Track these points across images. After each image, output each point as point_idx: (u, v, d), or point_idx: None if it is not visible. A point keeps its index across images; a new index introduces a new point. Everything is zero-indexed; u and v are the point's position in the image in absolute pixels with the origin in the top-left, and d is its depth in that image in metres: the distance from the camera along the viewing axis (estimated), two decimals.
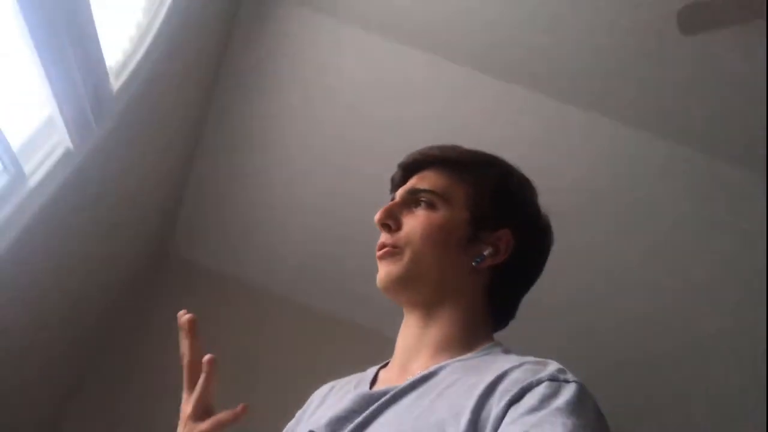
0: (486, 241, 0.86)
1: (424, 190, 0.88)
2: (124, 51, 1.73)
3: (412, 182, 0.90)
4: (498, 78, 2.39)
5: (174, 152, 2.54)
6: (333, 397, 0.90)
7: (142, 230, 2.59)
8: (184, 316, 0.82)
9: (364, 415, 0.75)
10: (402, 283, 0.84)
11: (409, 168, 0.93)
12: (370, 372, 0.90)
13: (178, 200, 2.85)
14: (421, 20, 2.34)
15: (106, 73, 1.55)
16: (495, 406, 0.65)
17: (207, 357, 0.80)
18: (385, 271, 0.85)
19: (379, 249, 0.87)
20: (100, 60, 1.49)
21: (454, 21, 2.30)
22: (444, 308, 0.85)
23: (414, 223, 0.86)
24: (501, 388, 0.67)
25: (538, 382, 0.66)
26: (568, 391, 0.64)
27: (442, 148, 0.92)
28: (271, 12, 2.47)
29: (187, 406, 0.80)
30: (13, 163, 1.38)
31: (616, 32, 2.16)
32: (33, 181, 1.46)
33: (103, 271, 2.28)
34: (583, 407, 0.63)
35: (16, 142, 1.39)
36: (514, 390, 0.65)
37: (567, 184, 2.46)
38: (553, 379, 0.66)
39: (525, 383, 0.66)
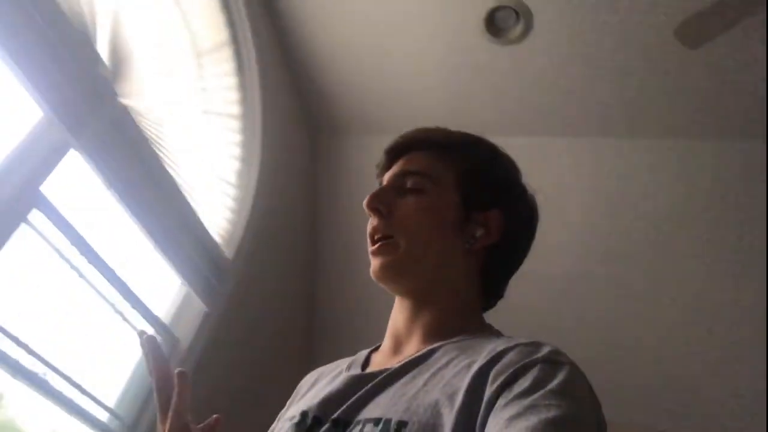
0: (477, 222, 0.86)
1: (414, 172, 0.87)
2: (229, 220, 2.20)
3: (400, 165, 0.89)
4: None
5: (295, 284, 2.94)
6: (323, 381, 0.87)
7: (285, 363, 2.95)
8: (143, 336, 0.80)
9: (357, 395, 0.74)
10: (398, 272, 0.84)
11: (396, 152, 0.92)
12: (361, 355, 0.89)
13: (310, 329, 3.19)
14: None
15: (217, 246, 2.01)
16: (488, 387, 0.64)
17: (177, 370, 0.77)
18: (380, 261, 0.84)
19: (372, 238, 0.85)
20: (210, 239, 1.95)
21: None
22: (438, 291, 0.84)
23: (406, 208, 0.85)
24: (495, 369, 0.66)
25: (532, 364, 0.65)
26: (561, 373, 0.64)
27: (427, 130, 0.92)
28: (344, 143, 2.89)
29: (163, 426, 0.75)
30: (167, 331, 1.83)
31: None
32: (185, 343, 1.90)
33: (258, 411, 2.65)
34: (577, 388, 0.64)
35: (164, 313, 1.85)
36: (508, 372, 0.65)
37: None
38: (546, 361, 0.66)
39: (518, 365, 0.65)
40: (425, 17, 2.32)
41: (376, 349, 0.90)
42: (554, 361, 0.67)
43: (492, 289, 0.89)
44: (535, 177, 0.95)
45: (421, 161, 0.88)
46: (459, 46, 2.36)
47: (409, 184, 0.87)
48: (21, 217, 1.37)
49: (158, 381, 0.77)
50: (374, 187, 0.90)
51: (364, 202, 0.86)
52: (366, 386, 0.75)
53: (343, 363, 0.90)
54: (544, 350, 0.68)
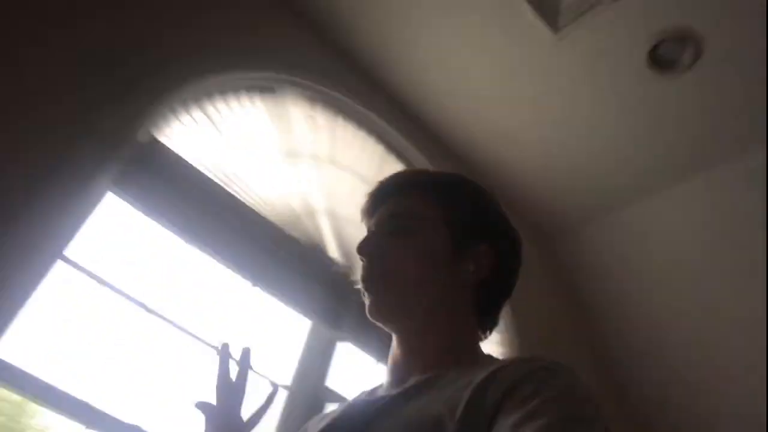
0: (467, 258, 0.87)
1: (401, 214, 0.89)
2: None
3: (387, 209, 0.91)
4: None
5: None
6: (330, 414, 0.89)
7: None
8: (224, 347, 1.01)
9: (358, 420, 0.77)
10: (394, 312, 0.85)
11: (380, 196, 0.93)
12: (362, 392, 0.92)
13: None
14: None
15: None
16: (489, 398, 0.65)
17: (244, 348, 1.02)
18: (375, 302, 0.85)
19: (366, 279, 0.86)
20: None
21: None
22: (435, 327, 0.85)
23: (397, 249, 0.86)
24: (495, 382, 0.67)
25: (531, 372, 0.67)
26: (559, 377, 0.66)
27: (410, 173, 0.97)
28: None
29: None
30: None
31: None
32: None
33: None
34: (575, 390, 0.65)
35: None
36: (508, 382, 0.66)
37: None
38: (544, 368, 0.67)
39: (518, 375, 0.67)
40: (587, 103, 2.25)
41: (374, 390, 0.91)
42: (552, 368, 0.68)
43: (486, 320, 0.90)
44: None
45: (406, 203, 0.90)
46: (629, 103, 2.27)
47: (398, 225, 0.88)
48: None
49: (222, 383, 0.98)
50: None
51: (357, 247, 0.88)
52: (368, 411, 0.78)
53: (345, 402, 0.94)
54: (542, 361, 0.70)
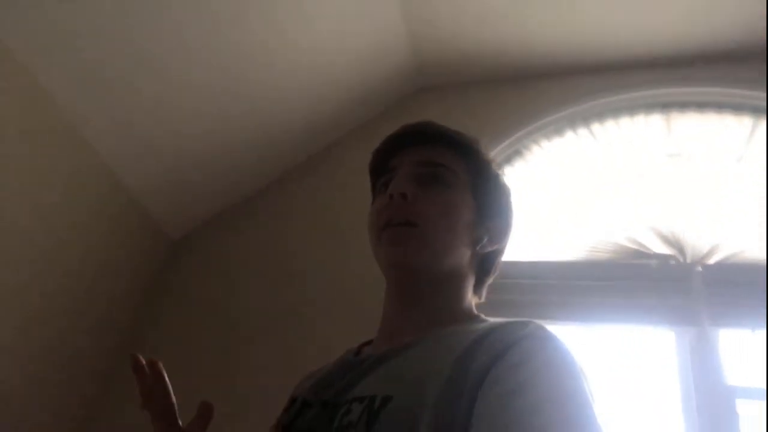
0: (484, 228, 0.86)
1: (441, 164, 0.85)
2: None
3: (422, 153, 0.86)
4: None
5: None
6: (316, 375, 0.88)
7: None
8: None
9: (345, 378, 0.75)
10: (419, 262, 0.80)
11: (412, 138, 0.89)
12: (352, 349, 0.89)
13: None
14: None
15: None
16: (476, 362, 0.64)
17: (147, 359, 0.80)
18: (401, 250, 0.80)
19: (390, 218, 0.81)
20: None
21: None
22: (441, 286, 0.83)
23: (431, 199, 0.82)
24: (483, 346, 0.66)
25: (520, 339, 0.66)
26: (547, 348, 0.65)
27: (445, 128, 0.90)
28: None
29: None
30: None
31: None
32: None
33: None
34: (563, 362, 0.64)
35: None
36: (495, 348, 0.65)
37: None
38: (533, 337, 0.66)
39: (505, 341, 0.66)
40: None
41: (368, 343, 0.89)
42: (542, 336, 0.67)
43: (478, 291, 0.90)
44: None
45: (445, 155, 0.87)
46: None
47: (435, 175, 0.84)
48: None
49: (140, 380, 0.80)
50: None
51: (392, 188, 0.82)
52: (355, 369, 0.75)
53: (335, 360, 0.90)
54: (533, 327, 0.68)
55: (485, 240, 0.86)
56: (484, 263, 0.89)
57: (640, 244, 1.79)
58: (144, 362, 0.79)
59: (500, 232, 0.89)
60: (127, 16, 1.73)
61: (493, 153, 2.07)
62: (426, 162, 0.85)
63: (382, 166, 0.91)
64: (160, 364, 0.79)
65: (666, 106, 2.02)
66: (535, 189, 2.01)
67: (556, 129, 2.10)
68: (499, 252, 0.91)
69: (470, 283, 0.87)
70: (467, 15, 2.07)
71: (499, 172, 0.93)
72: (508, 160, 2.11)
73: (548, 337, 0.67)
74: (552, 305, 1.72)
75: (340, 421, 0.67)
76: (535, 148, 2.10)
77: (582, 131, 2.07)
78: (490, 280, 0.92)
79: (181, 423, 0.79)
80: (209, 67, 1.95)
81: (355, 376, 0.73)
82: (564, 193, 1.96)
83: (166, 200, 2.24)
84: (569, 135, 2.08)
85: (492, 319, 0.80)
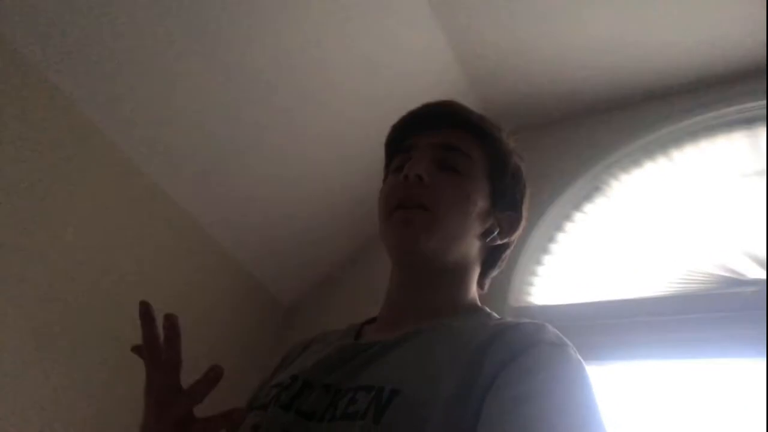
0: (497, 219, 0.85)
1: (459, 150, 0.83)
2: None
3: (441, 136, 0.85)
4: None
5: None
6: (314, 348, 0.86)
7: None
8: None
9: (350, 364, 0.72)
10: (424, 249, 0.78)
11: (430, 119, 0.87)
12: (353, 326, 0.87)
13: None
14: None
15: None
16: (489, 362, 0.63)
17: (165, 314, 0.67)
18: (410, 233, 0.78)
19: (403, 199, 0.79)
20: None
21: None
22: (446, 274, 0.82)
23: (446, 185, 0.81)
24: (497, 346, 0.65)
25: (534, 344, 0.65)
26: (560, 357, 0.65)
27: (466, 110, 0.87)
28: None
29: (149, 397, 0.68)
30: None
31: None
32: None
33: None
34: (575, 373, 0.64)
35: None
36: (509, 350, 0.64)
37: None
38: (546, 343, 0.66)
39: (520, 345, 0.65)
40: None
41: (369, 321, 0.87)
42: (556, 343, 0.66)
43: (482, 282, 0.89)
44: None
45: (464, 140, 0.85)
46: None
47: (452, 161, 0.83)
48: None
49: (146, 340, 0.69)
50: None
51: (410, 168, 0.80)
52: (359, 355, 0.73)
53: (334, 333, 0.89)
54: (547, 332, 0.67)
55: (496, 232, 0.85)
56: (492, 255, 0.88)
57: (734, 271, 1.70)
58: (154, 315, 0.69)
59: (512, 226, 0.88)
60: (238, 94, 1.94)
61: (573, 190, 2.08)
62: (445, 146, 0.83)
63: (398, 144, 0.89)
64: (177, 318, 0.68)
65: (749, 122, 1.93)
66: (619, 224, 1.98)
67: (633, 160, 2.07)
68: (508, 245, 0.90)
69: (476, 273, 0.86)
70: (530, 61, 2.12)
71: (521, 164, 0.91)
72: (588, 197, 2.10)
73: (562, 345, 0.67)
74: (642, 344, 1.68)
75: (345, 408, 0.65)
76: (614, 183, 2.07)
77: (661, 159, 2.02)
78: (495, 273, 0.91)
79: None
80: (312, 139, 2.14)
81: (360, 362, 0.71)
82: (649, 225, 1.92)
83: (275, 268, 2.44)
84: (648, 165, 2.04)
85: (497, 315, 0.81)
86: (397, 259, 0.83)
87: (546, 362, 0.63)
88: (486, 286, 0.91)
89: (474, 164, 0.83)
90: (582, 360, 0.66)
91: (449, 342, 0.70)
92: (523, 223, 0.90)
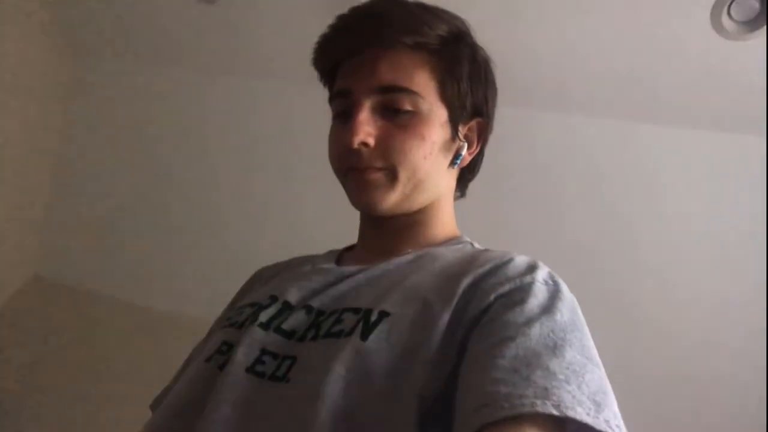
0: (460, 137, 0.79)
1: (405, 90, 0.73)
2: None
3: (378, 76, 0.73)
4: None
5: None
6: (294, 270, 0.82)
7: None
8: None
9: (335, 286, 0.71)
10: (396, 208, 0.76)
11: (362, 40, 0.75)
12: (332, 253, 0.85)
13: None
14: None
15: None
16: (480, 296, 0.63)
17: None
18: (374, 198, 0.74)
19: (360, 168, 0.74)
20: None
21: None
22: (419, 214, 0.79)
23: (397, 134, 0.73)
24: (489, 279, 0.65)
25: (528, 282, 0.64)
26: (554, 296, 0.63)
27: (404, 21, 0.74)
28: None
29: None
30: None
31: None
32: None
33: None
34: (568, 311, 0.62)
35: None
36: (502, 285, 0.63)
37: None
38: (540, 281, 0.64)
39: (514, 281, 0.64)
40: None
41: (349, 248, 0.86)
42: (549, 282, 0.65)
43: (460, 189, 0.87)
44: None
45: (406, 71, 0.74)
46: None
47: (395, 102, 0.73)
48: None
49: None
50: None
51: (350, 139, 0.72)
52: (344, 280, 0.72)
53: (313, 258, 0.85)
54: (541, 271, 0.66)
55: (464, 151, 0.79)
56: (466, 168, 0.85)
57: None
58: None
59: (481, 134, 0.82)
60: None
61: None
62: (382, 88, 0.73)
63: (330, 72, 0.80)
64: None
65: None
66: None
67: None
68: (481, 152, 0.84)
69: (451, 198, 0.84)
70: None
71: (477, 56, 0.80)
72: None
73: (556, 283, 0.65)
74: None
75: (329, 328, 0.64)
76: None
77: None
78: (473, 179, 0.88)
79: None
80: None
81: (345, 287, 0.70)
82: None
83: None
84: None
85: (478, 245, 0.79)
86: (365, 216, 0.81)
87: (540, 301, 0.62)
88: (465, 192, 0.88)
89: (420, 95, 0.74)
90: (574, 297, 0.65)
91: (439, 270, 0.69)
92: (494, 110, 0.84)
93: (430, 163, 0.75)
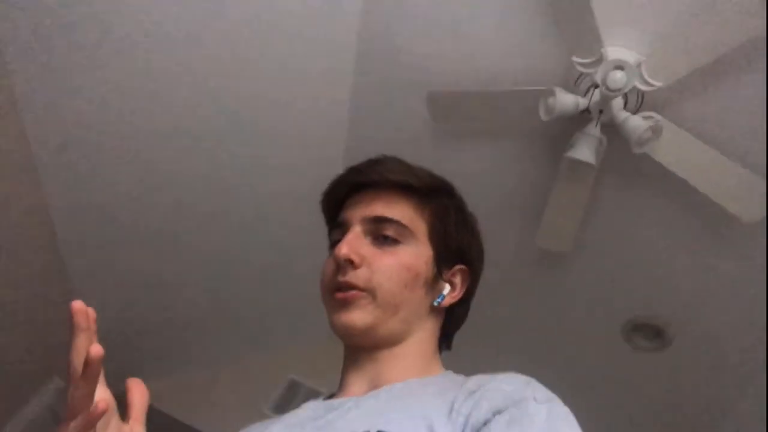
0: (445, 279, 0.83)
1: (392, 221, 0.80)
2: None
3: (372, 208, 0.81)
4: None
5: None
6: (267, 424, 0.80)
7: None
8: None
9: (325, 418, 0.71)
10: (372, 331, 0.77)
11: (359, 185, 0.84)
12: (312, 402, 0.82)
13: None
14: None
15: None
16: (475, 410, 0.63)
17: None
18: (352, 318, 0.77)
19: (341, 289, 0.78)
20: None
21: None
22: (400, 347, 0.80)
23: (384, 262, 0.78)
24: (480, 394, 0.66)
25: (522, 399, 0.64)
26: (549, 412, 0.63)
27: (397, 169, 0.84)
28: None
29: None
30: None
31: None
32: None
33: None
34: (566, 427, 0.63)
35: None
36: (497, 400, 0.64)
37: None
38: (533, 399, 0.64)
39: (510, 397, 0.64)
40: None
41: (328, 397, 0.84)
42: (543, 399, 0.65)
43: (446, 343, 0.88)
44: None
45: (398, 207, 0.82)
46: None
47: (387, 233, 0.80)
48: None
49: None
50: None
51: (340, 252, 0.77)
52: (332, 411, 0.72)
53: (286, 416, 0.80)
54: (532, 388, 0.67)
55: (446, 292, 0.83)
56: (450, 315, 0.86)
57: None
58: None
59: (464, 279, 0.86)
60: None
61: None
62: (375, 218, 0.81)
63: (333, 215, 0.87)
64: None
65: None
66: None
67: None
68: (464, 300, 0.86)
69: (434, 338, 0.84)
70: None
71: (464, 212, 0.88)
72: None
73: (550, 399, 0.66)
74: None
75: None
76: None
77: None
78: (457, 331, 0.89)
79: None
80: None
81: (335, 417, 0.71)
82: None
83: None
84: None
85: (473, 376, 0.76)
86: (347, 343, 0.82)
87: (536, 419, 0.62)
88: (450, 345, 0.89)
89: (410, 231, 0.81)
90: (570, 411, 0.66)
91: (432, 388, 0.71)
92: (479, 266, 0.88)
93: (410, 293, 0.79)
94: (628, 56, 1.63)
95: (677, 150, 1.71)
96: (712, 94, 1.70)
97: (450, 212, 0.86)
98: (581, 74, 1.68)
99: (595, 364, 2.47)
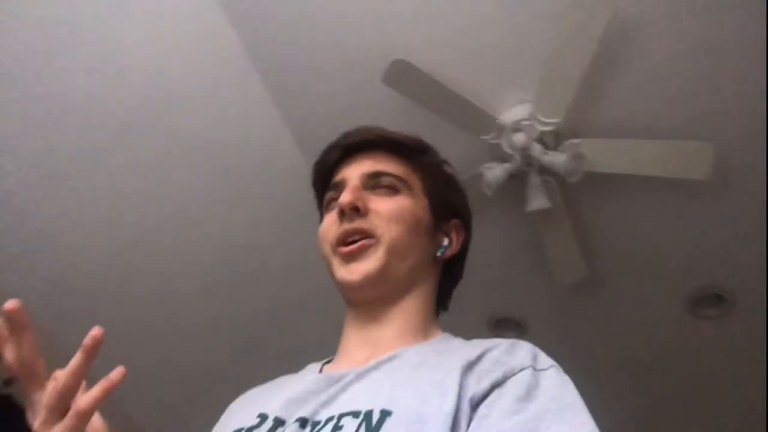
0: (443, 231, 0.85)
1: (388, 174, 0.82)
2: None
3: (368, 164, 0.83)
4: None
5: None
6: (266, 393, 0.79)
7: None
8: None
9: (326, 392, 0.68)
10: (381, 277, 0.77)
11: (353, 149, 0.86)
12: (312, 367, 0.82)
13: None
14: None
15: None
16: (475, 384, 0.63)
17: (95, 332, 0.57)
18: (360, 268, 0.76)
19: (347, 238, 0.78)
20: None
21: None
22: (405, 300, 0.80)
23: (387, 206, 0.79)
24: (481, 367, 0.65)
25: (520, 368, 0.64)
26: (551, 380, 0.63)
27: (391, 133, 0.87)
28: None
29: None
30: None
31: None
32: None
33: None
34: (567, 394, 0.62)
35: None
36: (497, 372, 0.63)
37: None
38: (533, 367, 0.64)
39: (507, 367, 0.64)
40: None
41: (328, 362, 0.83)
42: (541, 367, 0.65)
43: (442, 299, 0.87)
44: None
45: (390, 163, 0.84)
46: None
47: (385, 182, 0.82)
48: None
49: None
50: None
51: (344, 200, 0.77)
52: (333, 385, 0.69)
53: (287, 377, 0.83)
54: (529, 354, 0.66)
55: (445, 243, 0.84)
56: (448, 269, 0.87)
57: None
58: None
59: (460, 233, 0.88)
60: None
61: None
62: (372, 174, 0.82)
63: (326, 180, 0.88)
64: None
65: None
66: None
67: None
68: (460, 256, 0.88)
69: (434, 295, 0.84)
70: None
71: (452, 172, 0.91)
72: None
73: (551, 367, 0.66)
74: None
75: None
76: None
77: None
78: (454, 288, 0.90)
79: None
80: None
81: (336, 391, 0.68)
82: None
83: None
84: None
85: (474, 339, 0.76)
86: (351, 297, 0.81)
87: (535, 387, 0.62)
88: (448, 304, 0.89)
89: (407, 184, 0.83)
90: (563, 374, 0.66)
91: (434, 359, 0.69)
92: (470, 230, 0.91)
93: (415, 239, 0.80)
94: (521, 111, 1.83)
95: (612, 156, 1.85)
96: (611, 92, 1.85)
97: (440, 169, 0.90)
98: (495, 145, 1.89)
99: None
